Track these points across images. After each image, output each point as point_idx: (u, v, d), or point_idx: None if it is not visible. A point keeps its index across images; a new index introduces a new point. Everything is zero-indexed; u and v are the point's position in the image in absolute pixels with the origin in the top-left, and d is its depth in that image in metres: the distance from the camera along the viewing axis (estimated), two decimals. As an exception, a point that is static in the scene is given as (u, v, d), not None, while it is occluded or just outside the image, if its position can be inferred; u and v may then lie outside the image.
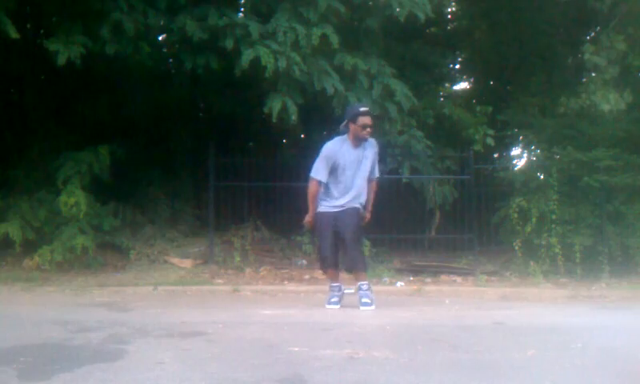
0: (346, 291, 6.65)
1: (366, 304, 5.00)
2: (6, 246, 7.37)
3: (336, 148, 5.12)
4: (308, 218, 5.21)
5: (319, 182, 5.08)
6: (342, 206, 5.08)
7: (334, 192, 5.12)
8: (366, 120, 5.06)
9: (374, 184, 5.32)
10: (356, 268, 5.12)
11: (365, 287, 5.07)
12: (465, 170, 8.32)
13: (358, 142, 5.11)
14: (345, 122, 5.18)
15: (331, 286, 5.26)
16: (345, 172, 5.08)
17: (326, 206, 5.14)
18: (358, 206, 5.11)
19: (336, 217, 5.09)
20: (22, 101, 9.00)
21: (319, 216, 5.17)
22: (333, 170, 5.09)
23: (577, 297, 6.31)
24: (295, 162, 9.50)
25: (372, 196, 5.29)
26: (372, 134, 5.20)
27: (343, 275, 5.36)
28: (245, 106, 8.99)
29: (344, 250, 5.13)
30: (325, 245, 5.17)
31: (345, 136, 5.17)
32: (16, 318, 4.49)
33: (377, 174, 5.31)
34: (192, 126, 10.05)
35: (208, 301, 5.78)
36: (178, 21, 7.09)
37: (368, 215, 5.25)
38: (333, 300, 5.17)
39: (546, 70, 10.37)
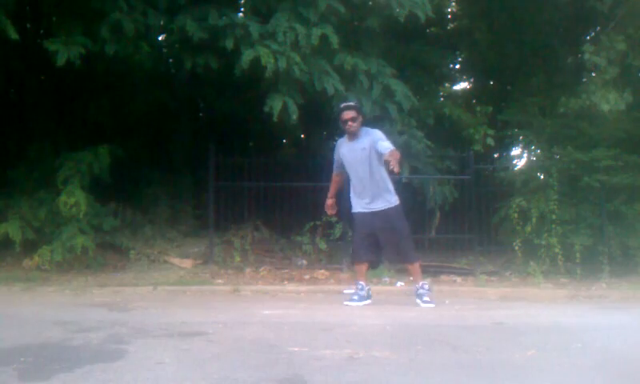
0: (345, 291, 6.65)
1: (427, 302, 5.19)
2: (6, 246, 7.37)
3: (338, 144, 5.56)
4: (328, 201, 5.56)
5: (336, 174, 5.56)
6: (372, 208, 5.26)
7: (358, 188, 5.34)
8: (344, 115, 5.32)
9: (391, 153, 4.88)
10: (408, 260, 5.35)
11: (426, 287, 5.28)
12: (465, 170, 8.31)
13: (350, 136, 5.36)
14: None
15: (356, 283, 5.44)
16: (352, 166, 5.34)
17: (361, 206, 5.34)
18: (387, 206, 5.25)
19: (374, 218, 5.25)
20: (22, 101, 9.00)
21: (356, 216, 5.43)
22: (344, 165, 5.43)
23: (577, 297, 6.31)
24: (295, 162, 9.51)
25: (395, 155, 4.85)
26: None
27: (340, 275, 5.34)
28: (245, 105, 8.99)
29: (395, 247, 5.30)
30: (358, 240, 5.45)
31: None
32: (16, 318, 4.49)
33: (387, 148, 4.97)
34: (192, 126, 10.05)
35: (208, 301, 5.77)
36: (177, 21, 7.09)
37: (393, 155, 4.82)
38: (354, 297, 5.32)
39: (545, 70, 10.36)
